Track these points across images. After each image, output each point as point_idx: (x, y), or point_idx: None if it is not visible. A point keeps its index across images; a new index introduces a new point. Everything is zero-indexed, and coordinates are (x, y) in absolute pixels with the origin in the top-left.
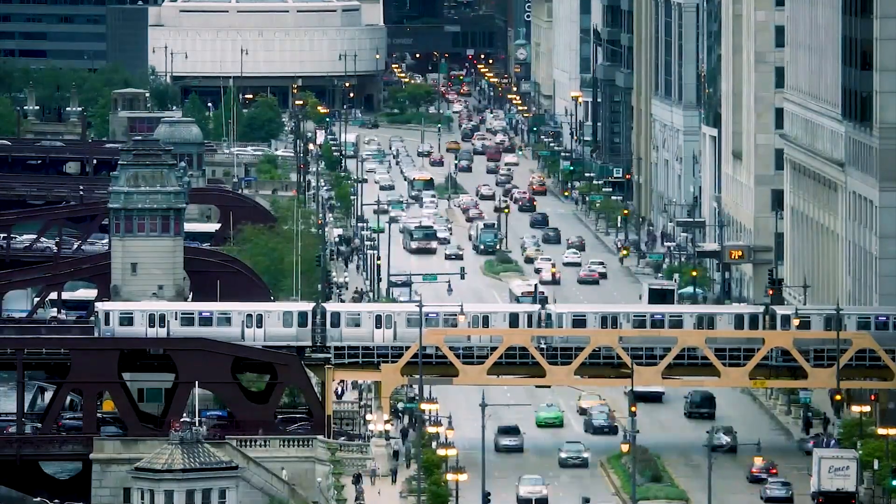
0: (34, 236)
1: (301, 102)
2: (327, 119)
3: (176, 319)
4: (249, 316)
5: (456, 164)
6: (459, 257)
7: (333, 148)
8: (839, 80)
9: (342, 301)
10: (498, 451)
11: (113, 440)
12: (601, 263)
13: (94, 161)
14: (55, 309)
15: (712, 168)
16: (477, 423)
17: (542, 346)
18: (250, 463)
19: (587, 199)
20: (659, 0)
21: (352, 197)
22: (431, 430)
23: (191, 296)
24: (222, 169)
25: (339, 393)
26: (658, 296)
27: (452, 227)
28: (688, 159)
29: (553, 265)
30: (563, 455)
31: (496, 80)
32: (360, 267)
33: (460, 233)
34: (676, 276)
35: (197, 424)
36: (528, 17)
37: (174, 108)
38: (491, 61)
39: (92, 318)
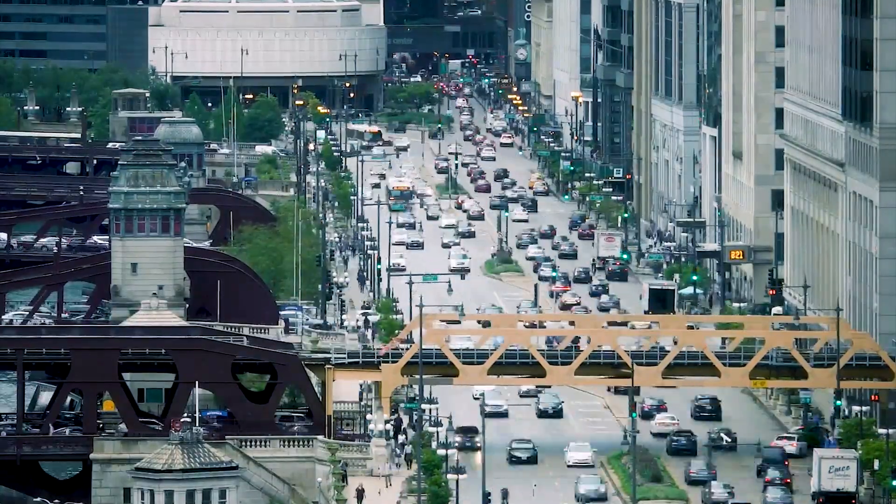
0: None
1: (301, 102)
2: (328, 119)
3: None
4: None
5: (457, 165)
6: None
7: (333, 148)
8: (839, 80)
9: (342, 301)
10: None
11: (113, 440)
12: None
13: (95, 161)
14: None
15: (712, 168)
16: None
17: (543, 346)
18: (250, 463)
19: (587, 199)
20: (659, 0)
21: (352, 197)
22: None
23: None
24: (223, 169)
25: None
26: (658, 296)
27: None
28: (688, 159)
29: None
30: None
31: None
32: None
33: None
34: (677, 276)
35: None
36: (528, 17)
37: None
38: (491, 61)
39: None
